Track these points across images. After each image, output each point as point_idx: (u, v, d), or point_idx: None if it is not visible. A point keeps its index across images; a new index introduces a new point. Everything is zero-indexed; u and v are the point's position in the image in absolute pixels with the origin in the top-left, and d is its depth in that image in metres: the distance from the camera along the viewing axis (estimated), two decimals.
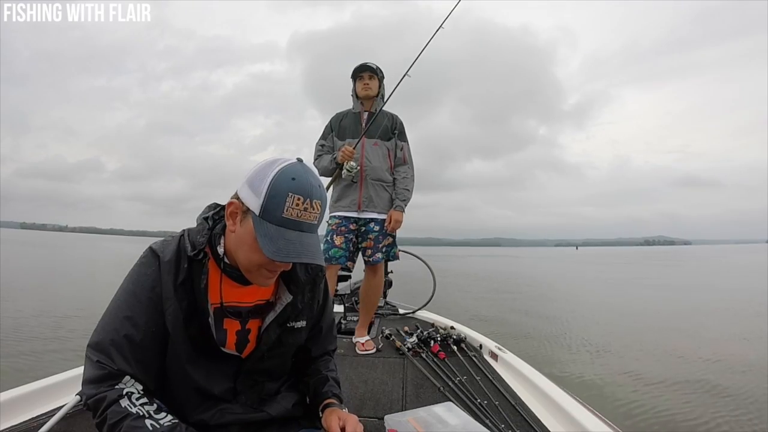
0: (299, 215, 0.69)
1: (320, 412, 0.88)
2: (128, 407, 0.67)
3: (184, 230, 0.80)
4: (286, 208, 0.68)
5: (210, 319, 0.75)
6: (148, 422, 0.67)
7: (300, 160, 0.74)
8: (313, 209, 0.71)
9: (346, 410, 0.88)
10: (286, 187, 0.69)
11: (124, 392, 0.68)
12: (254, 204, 0.70)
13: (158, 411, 0.70)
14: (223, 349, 0.78)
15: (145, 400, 0.70)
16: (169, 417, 0.70)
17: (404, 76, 2.15)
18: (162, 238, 0.80)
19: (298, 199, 0.69)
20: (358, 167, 2.08)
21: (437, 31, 2.18)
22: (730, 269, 22.41)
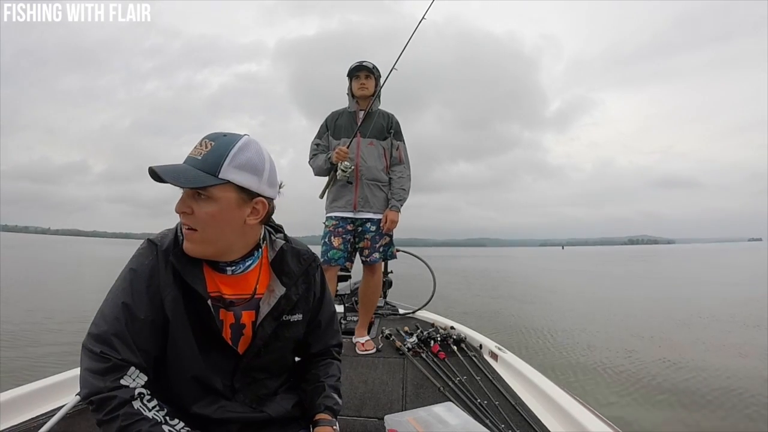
0: (190, 151, 0.75)
1: (311, 428, 0.87)
2: (141, 410, 0.67)
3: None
4: None
5: (209, 301, 0.75)
6: (165, 428, 0.67)
7: (245, 134, 0.78)
8: (200, 146, 0.74)
9: (336, 426, 0.87)
10: None
11: (136, 393, 0.68)
12: None
13: (172, 417, 0.71)
14: (222, 336, 0.78)
15: (155, 402, 0.70)
16: (182, 424, 0.71)
17: (392, 69, 2.16)
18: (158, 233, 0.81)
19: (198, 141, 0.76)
20: (353, 167, 2.08)
21: (420, 22, 2.23)
22: (724, 268, 22.40)
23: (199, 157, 0.73)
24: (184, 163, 0.74)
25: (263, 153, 0.78)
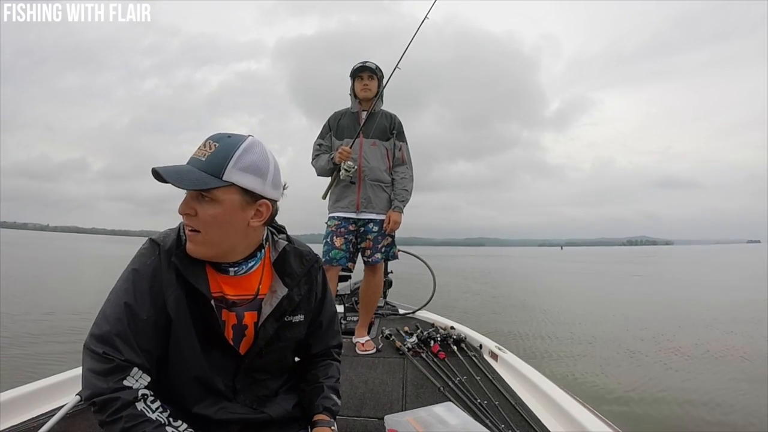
0: (193, 152, 0.75)
1: (309, 428, 0.87)
2: (145, 411, 0.67)
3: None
4: None
5: (212, 302, 0.75)
6: (169, 429, 0.68)
7: (249, 135, 0.78)
8: (204, 147, 0.74)
9: (335, 426, 0.87)
10: None
11: (140, 394, 0.68)
12: None
13: (175, 418, 0.71)
14: (224, 336, 0.78)
15: (158, 403, 0.70)
16: (185, 425, 0.71)
17: (395, 68, 2.15)
18: (161, 233, 0.81)
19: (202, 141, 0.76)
20: (356, 167, 2.07)
21: (423, 21, 2.23)
22: (724, 269, 22.38)
23: (203, 159, 0.72)
24: (187, 164, 0.73)
25: (267, 154, 0.77)
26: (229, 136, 0.75)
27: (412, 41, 2.20)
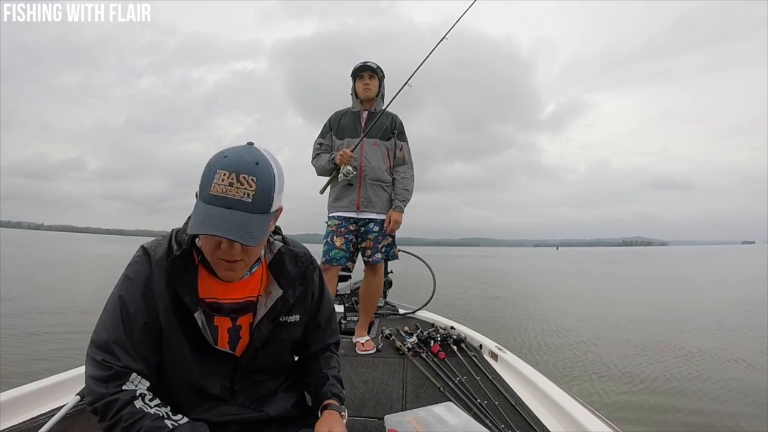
0: (224, 191, 0.66)
1: (320, 413, 0.87)
2: (144, 408, 0.68)
3: (173, 229, 0.80)
4: (213, 184, 0.66)
5: (196, 314, 0.75)
6: (168, 422, 0.68)
7: (251, 144, 0.73)
8: (241, 185, 0.66)
9: (345, 412, 0.88)
10: (215, 164, 0.68)
11: (137, 393, 0.69)
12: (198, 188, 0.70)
13: (174, 412, 0.72)
14: (215, 347, 0.78)
15: (158, 401, 0.71)
16: (186, 419, 0.72)
17: (405, 84, 2.13)
18: (153, 239, 0.82)
19: (224, 175, 0.66)
20: (355, 172, 2.07)
21: (441, 41, 2.18)
22: (720, 270, 22.39)
23: (250, 200, 0.67)
24: (229, 207, 0.67)
25: (279, 163, 0.75)
26: (257, 162, 0.69)
27: (426, 60, 2.13)
